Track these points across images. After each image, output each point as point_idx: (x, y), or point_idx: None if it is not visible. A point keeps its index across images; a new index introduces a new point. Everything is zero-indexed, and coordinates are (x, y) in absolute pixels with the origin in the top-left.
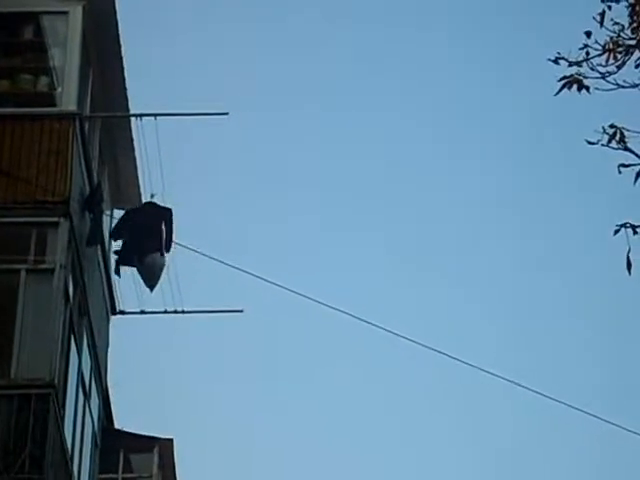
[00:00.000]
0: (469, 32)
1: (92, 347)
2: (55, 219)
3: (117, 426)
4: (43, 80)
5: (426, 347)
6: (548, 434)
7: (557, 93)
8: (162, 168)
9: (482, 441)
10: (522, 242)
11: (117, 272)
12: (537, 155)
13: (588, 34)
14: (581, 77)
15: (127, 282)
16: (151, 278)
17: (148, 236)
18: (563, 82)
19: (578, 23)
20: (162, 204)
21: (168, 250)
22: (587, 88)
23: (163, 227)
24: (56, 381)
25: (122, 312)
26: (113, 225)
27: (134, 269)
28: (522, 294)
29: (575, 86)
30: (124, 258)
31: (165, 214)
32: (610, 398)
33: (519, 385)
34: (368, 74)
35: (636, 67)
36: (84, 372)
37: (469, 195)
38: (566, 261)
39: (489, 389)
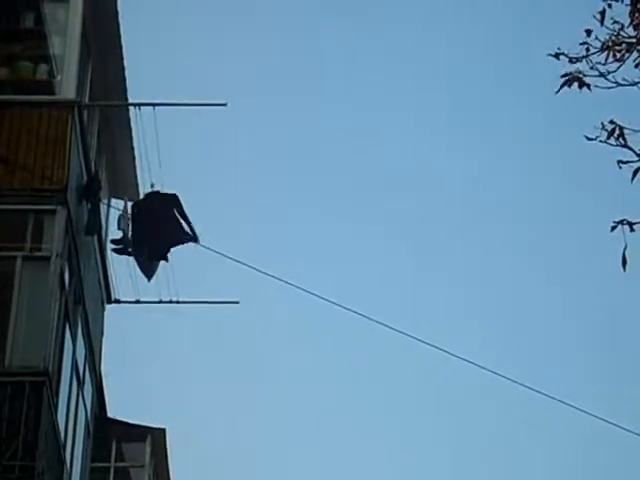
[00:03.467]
0: (469, 29)
1: (87, 336)
2: (52, 207)
3: (110, 415)
4: (43, 68)
5: (417, 340)
6: (537, 428)
7: (558, 91)
8: (160, 158)
9: (470, 434)
10: (518, 239)
11: (123, 252)
12: (535, 152)
13: (588, 32)
14: (581, 75)
15: (123, 271)
16: (149, 268)
17: (165, 227)
18: (563, 80)
19: (578, 21)
20: (164, 191)
21: (194, 235)
22: (588, 86)
23: (176, 214)
24: (50, 369)
25: (117, 301)
26: (119, 218)
27: (130, 257)
28: (514, 289)
29: (576, 84)
30: (141, 249)
31: (173, 200)
32: (598, 391)
33: (509, 379)
34: (367, 69)
35: (636, 67)
36: (78, 360)
37: (467, 190)
38: (563, 258)
39: (477, 382)
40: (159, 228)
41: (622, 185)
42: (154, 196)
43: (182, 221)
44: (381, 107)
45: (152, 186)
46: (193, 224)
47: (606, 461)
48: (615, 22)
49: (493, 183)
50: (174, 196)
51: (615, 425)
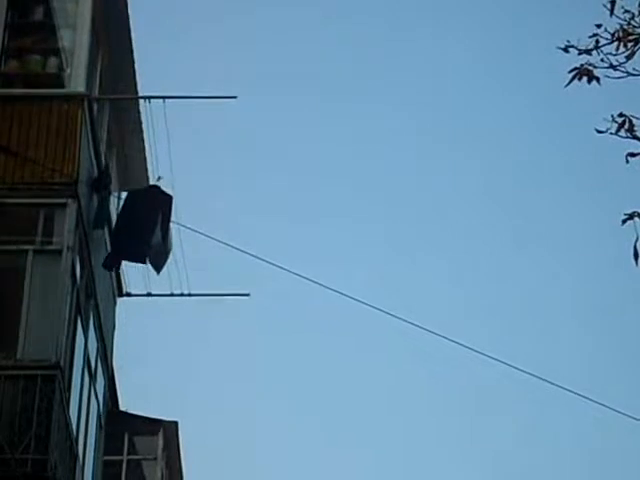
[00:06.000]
0: (476, 24)
1: (98, 329)
2: (63, 200)
3: (122, 408)
4: (52, 61)
5: (428, 331)
6: (546, 418)
7: (567, 85)
8: (170, 151)
9: (482, 427)
10: (529, 232)
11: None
12: (545, 144)
13: (598, 26)
14: (591, 67)
15: (134, 265)
16: (158, 261)
17: (143, 228)
18: (573, 73)
19: (588, 12)
20: (165, 189)
21: (165, 239)
22: (597, 79)
23: (159, 218)
24: (62, 363)
25: (129, 294)
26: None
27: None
28: (526, 282)
29: (585, 77)
30: (117, 247)
31: (165, 202)
32: (607, 382)
33: (519, 369)
34: (375, 65)
35: None
36: (90, 354)
37: (476, 183)
38: (574, 250)
39: (487, 374)
40: (139, 228)
41: (633, 177)
42: (151, 192)
43: (157, 234)
44: (387, 104)
45: (159, 179)
46: (170, 234)
47: (618, 452)
48: (626, 11)
49: (500, 178)
50: (169, 198)
51: (627, 415)
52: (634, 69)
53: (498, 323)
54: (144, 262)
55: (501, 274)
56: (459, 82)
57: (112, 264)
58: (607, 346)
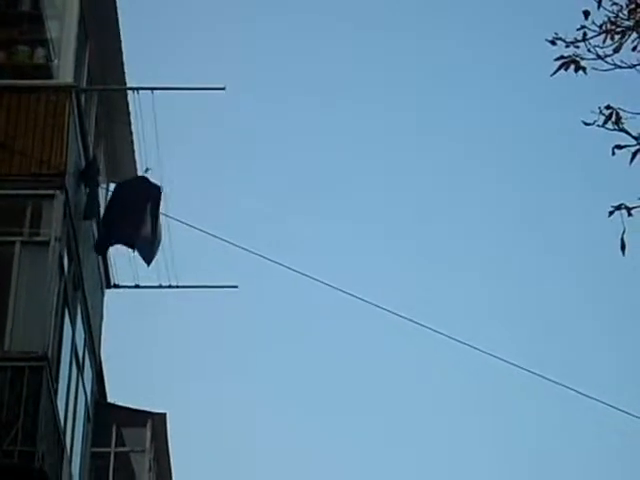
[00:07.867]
0: (465, 15)
1: (86, 320)
2: (51, 192)
3: (110, 400)
4: (40, 52)
5: (440, 333)
6: (569, 424)
7: (553, 74)
8: (158, 142)
9: (504, 432)
10: (518, 223)
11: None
12: (534, 137)
13: (586, 14)
14: (578, 58)
15: (122, 256)
16: (149, 253)
17: (132, 215)
18: (560, 63)
19: (576, 4)
20: (153, 180)
21: (154, 230)
22: (584, 69)
23: (148, 207)
24: (49, 354)
25: (116, 286)
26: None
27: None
28: (528, 279)
29: (572, 67)
30: (106, 235)
31: (154, 193)
32: (625, 387)
33: (539, 375)
34: (366, 62)
35: (633, 50)
36: (78, 345)
37: (466, 180)
38: (563, 245)
39: (506, 379)
40: (129, 215)
41: (620, 169)
42: (140, 182)
43: (147, 223)
44: (379, 98)
45: (147, 170)
46: (160, 226)
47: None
48: (614, 4)
49: (491, 172)
50: (157, 189)
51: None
52: (622, 61)
53: (500, 321)
54: (133, 247)
55: (499, 271)
56: (453, 80)
57: (103, 247)
58: (621, 344)
